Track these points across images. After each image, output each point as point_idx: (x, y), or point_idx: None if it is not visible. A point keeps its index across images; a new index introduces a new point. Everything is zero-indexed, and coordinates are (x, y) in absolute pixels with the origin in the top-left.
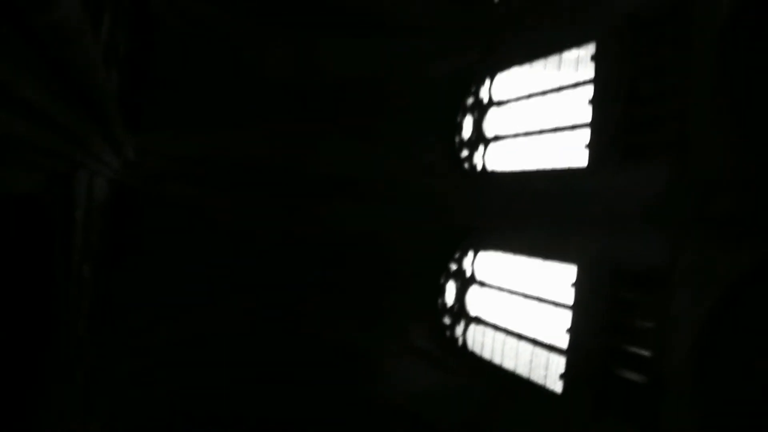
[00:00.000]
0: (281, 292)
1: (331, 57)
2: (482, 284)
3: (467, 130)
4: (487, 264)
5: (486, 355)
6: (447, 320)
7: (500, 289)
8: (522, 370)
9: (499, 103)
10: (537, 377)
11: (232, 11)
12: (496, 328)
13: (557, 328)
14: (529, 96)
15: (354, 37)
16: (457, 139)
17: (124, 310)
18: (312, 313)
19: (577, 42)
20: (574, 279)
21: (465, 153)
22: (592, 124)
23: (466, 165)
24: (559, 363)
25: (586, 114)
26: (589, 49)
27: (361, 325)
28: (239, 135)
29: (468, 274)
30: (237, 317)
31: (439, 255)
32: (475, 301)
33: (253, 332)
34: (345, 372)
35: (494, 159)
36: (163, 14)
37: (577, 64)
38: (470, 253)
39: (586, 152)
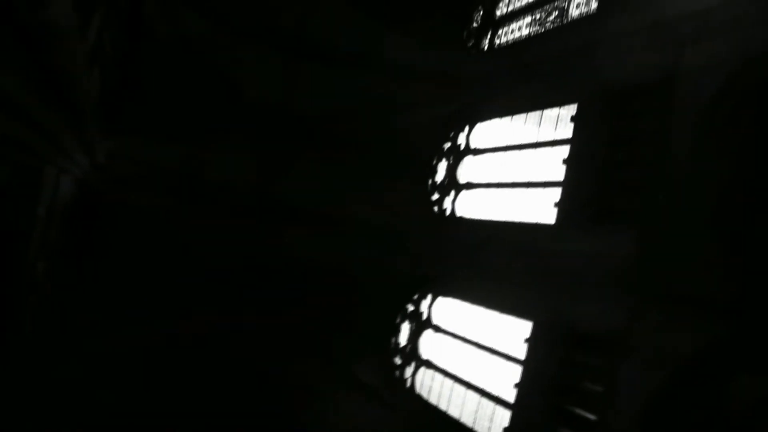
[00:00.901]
0: (231, 314)
1: (316, 87)
2: (437, 329)
3: (441, 173)
4: (444, 309)
5: (432, 399)
6: (398, 360)
7: (454, 335)
8: (466, 419)
9: (476, 152)
10: (481, 428)
11: (223, 29)
12: (445, 374)
13: (506, 381)
14: (506, 148)
15: (342, 69)
16: (429, 182)
17: (73, 313)
18: (261, 339)
19: (560, 102)
20: (528, 335)
21: (436, 196)
22: (565, 184)
23: (436, 208)
24: (504, 416)
25: (560, 173)
26: (571, 110)
27: (309, 355)
28: (213, 151)
29: (424, 317)
30: (181, 338)
31: (398, 294)
32: (428, 345)
33: (191, 354)
34: (284, 402)
35: (464, 205)
36: (154, 22)
37: (557, 122)
38: (429, 297)
39: (555, 211)
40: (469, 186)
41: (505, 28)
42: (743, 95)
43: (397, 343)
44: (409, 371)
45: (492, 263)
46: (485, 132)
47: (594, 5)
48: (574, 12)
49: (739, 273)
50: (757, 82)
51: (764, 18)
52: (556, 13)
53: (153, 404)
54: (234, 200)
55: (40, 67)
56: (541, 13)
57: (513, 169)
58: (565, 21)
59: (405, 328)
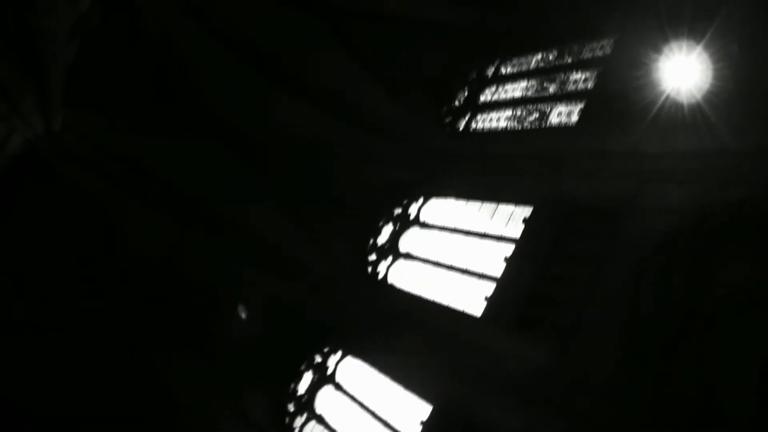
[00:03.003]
0: (122, 324)
1: (284, 115)
2: (337, 386)
3: (384, 236)
4: (349, 369)
5: None
6: (291, 407)
7: (352, 398)
8: None
9: (424, 225)
10: None
11: (210, 42)
12: None
13: None
14: (454, 230)
15: (313, 107)
16: (371, 241)
17: None
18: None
19: (517, 200)
20: (425, 417)
21: (373, 257)
22: (500, 281)
23: (370, 269)
24: None
25: (499, 269)
26: (525, 211)
27: (201, 383)
28: (168, 149)
29: (329, 372)
30: (69, 333)
31: (310, 341)
32: (325, 401)
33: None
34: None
35: (398, 273)
36: (145, 12)
37: (509, 219)
38: (339, 353)
39: (484, 304)
40: (408, 256)
41: (485, 115)
42: (685, 245)
43: (296, 390)
44: (299, 421)
45: (408, 337)
46: (438, 208)
47: (574, 119)
48: (554, 119)
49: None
50: (701, 237)
51: (724, 180)
52: (537, 115)
53: None
54: (180, 200)
55: (20, 27)
56: (522, 110)
57: (455, 252)
58: (543, 125)
59: (306, 378)
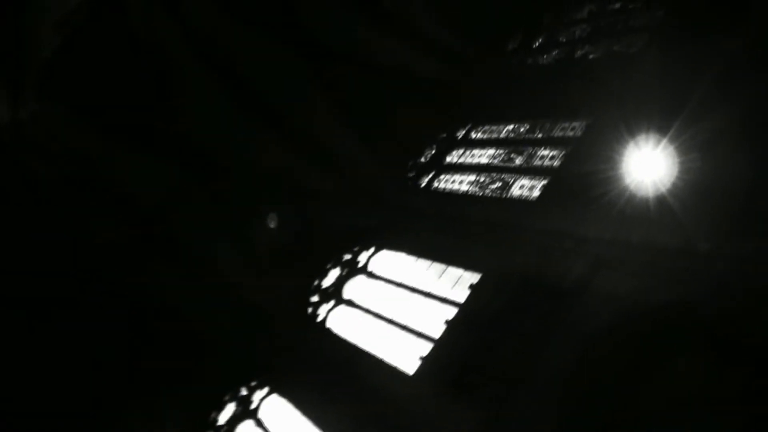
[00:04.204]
0: (59, 332)
1: (252, 143)
2: (259, 423)
3: (329, 280)
4: (273, 407)
5: None
6: None
7: None
8: None
9: (371, 275)
10: None
11: (194, 58)
12: None
13: None
14: (400, 285)
15: (280, 140)
16: (315, 283)
17: None
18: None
19: (467, 265)
20: None
21: (315, 299)
22: (438, 343)
23: (310, 310)
24: None
25: (438, 331)
26: (473, 278)
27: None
28: (130, 159)
29: (252, 406)
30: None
31: (240, 373)
32: None
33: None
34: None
35: (337, 319)
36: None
37: (456, 282)
38: (266, 389)
39: (418, 363)
40: (351, 304)
41: (448, 176)
42: (628, 336)
43: (215, 420)
44: None
45: (338, 384)
46: (388, 260)
47: (536, 194)
48: (516, 191)
49: None
50: (644, 330)
51: (674, 278)
52: (500, 184)
53: None
54: (134, 213)
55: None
56: (486, 178)
57: (397, 306)
58: (504, 195)
59: (229, 409)
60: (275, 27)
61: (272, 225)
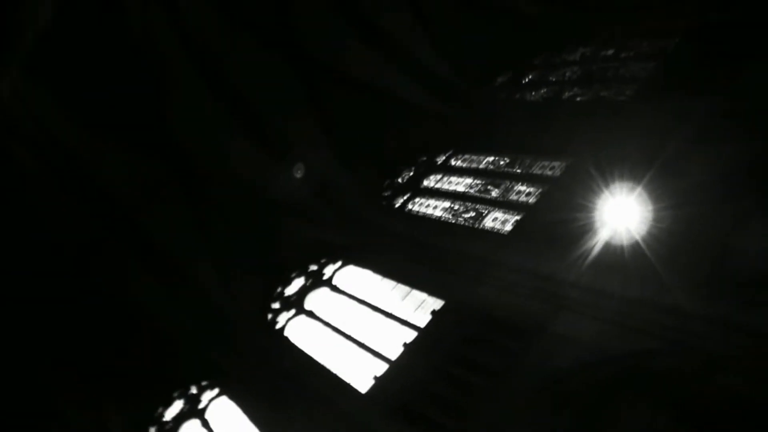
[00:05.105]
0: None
1: (234, 151)
2: (205, 423)
3: (292, 289)
4: (222, 409)
5: None
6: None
7: None
8: None
9: (334, 288)
10: None
11: (187, 61)
12: None
13: None
14: (363, 302)
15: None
16: (278, 289)
17: None
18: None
19: (431, 291)
20: None
21: (276, 305)
22: (393, 365)
23: (270, 316)
24: None
25: (396, 352)
26: (437, 304)
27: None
28: (111, 153)
29: (200, 405)
30: None
31: (194, 372)
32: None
33: None
34: None
35: (295, 329)
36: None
37: (419, 306)
38: (216, 390)
39: (371, 383)
40: (311, 315)
41: (423, 200)
42: (585, 382)
43: (161, 415)
44: None
45: (290, 395)
46: (353, 276)
47: (508, 228)
48: (488, 223)
49: None
50: (603, 377)
51: (637, 328)
52: (473, 214)
53: None
54: (102, 211)
55: None
56: (461, 206)
57: (357, 323)
58: (476, 226)
59: (176, 406)
60: (270, 37)
61: (243, 230)
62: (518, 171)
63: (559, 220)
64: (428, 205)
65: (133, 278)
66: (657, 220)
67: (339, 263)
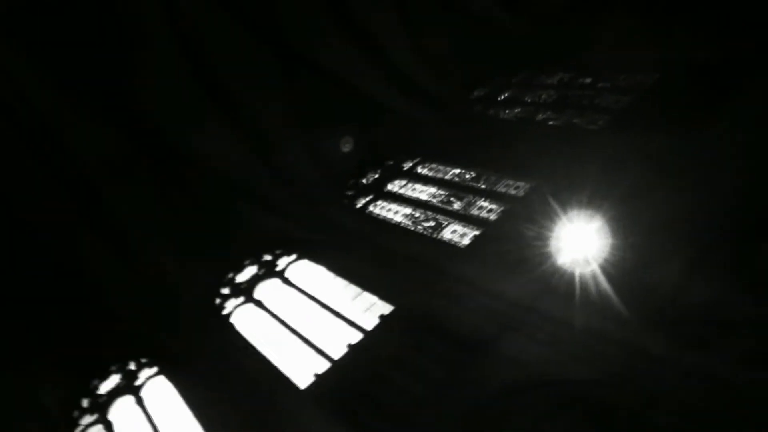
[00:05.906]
0: None
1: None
2: (139, 401)
3: (244, 277)
4: (158, 388)
5: None
6: (84, 404)
7: (148, 418)
8: None
9: (286, 280)
10: None
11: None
12: None
13: None
14: (313, 298)
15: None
16: (229, 275)
17: None
18: None
19: (383, 295)
20: None
21: (226, 291)
22: (335, 364)
23: (218, 301)
24: None
25: (340, 352)
26: (385, 308)
27: None
28: (78, 115)
29: (137, 382)
30: None
31: (135, 348)
32: (117, 412)
33: None
34: None
35: (242, 317)
36: None
37: (368, 309)
38: (155, 369)
39: (311, 380)
40: (259, 305)
41: (385, 204)
42: (521, 403)
43: (96, 388)
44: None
45: (229, 382)
46: (306, 271)
47: (465, 242)
48: (446, 234)
49: None
50: (538, 398)
51: (577, 355)
52: (433, 224)
53: None
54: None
55: None
56: (421, 214)
57: (305, 318)
58: (434, 235)
59: (112, 380)
60: (253, 20)
61: (205, 214)
62: (483, 186)
63: (517, 240)
64: (390, 210)
65: (88, 248)
66: (610, 252)
67: (294, 256)
